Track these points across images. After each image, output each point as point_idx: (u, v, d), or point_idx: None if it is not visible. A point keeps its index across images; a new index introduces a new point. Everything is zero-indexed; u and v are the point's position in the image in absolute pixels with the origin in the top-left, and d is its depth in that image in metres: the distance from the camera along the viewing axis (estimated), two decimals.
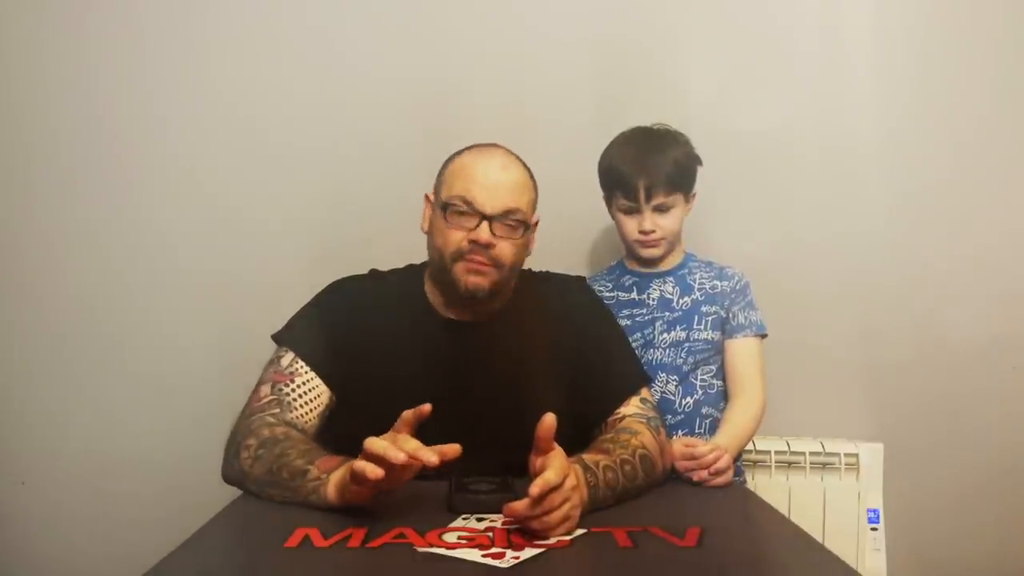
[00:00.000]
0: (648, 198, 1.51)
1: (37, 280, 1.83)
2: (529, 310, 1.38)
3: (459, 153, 1.34)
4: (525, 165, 1.34)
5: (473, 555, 0.91)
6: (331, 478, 1.07)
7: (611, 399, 1.34)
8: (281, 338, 1.34)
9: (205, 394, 1.78)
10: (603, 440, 1.25)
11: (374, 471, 0.97)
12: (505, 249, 1.28)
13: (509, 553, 0.91)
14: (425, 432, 1.27)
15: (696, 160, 1.57)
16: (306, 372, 1.29)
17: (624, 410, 1.33)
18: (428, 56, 1.81)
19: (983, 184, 1.83)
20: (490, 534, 0.98)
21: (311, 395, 1.29)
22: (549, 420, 1.02)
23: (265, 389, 1.28)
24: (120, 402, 1.82)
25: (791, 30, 1.82)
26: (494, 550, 0.92)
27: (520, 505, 0.97)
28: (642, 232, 1.53)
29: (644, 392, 1.37)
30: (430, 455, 0.98)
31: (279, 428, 1.21)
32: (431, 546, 0.94)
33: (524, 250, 1.34)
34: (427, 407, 1.05)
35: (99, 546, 1.78)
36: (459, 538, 0.97)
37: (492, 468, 1.18)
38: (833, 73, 1.82)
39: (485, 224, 1.26)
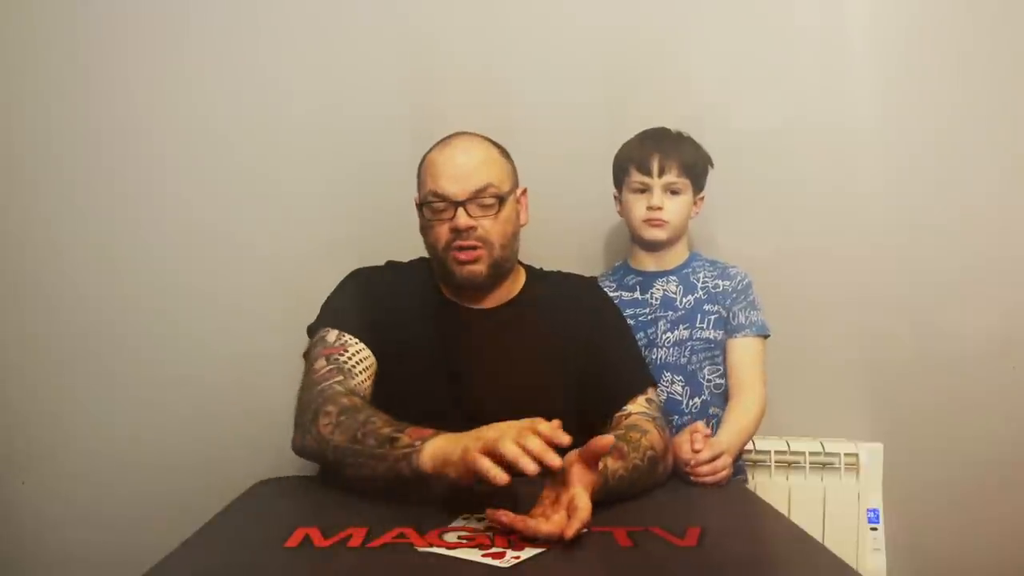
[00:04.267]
0: (661, 172, 1.53)
1: (37, 280, 1.83)
2: (539, 302, 1.41)
3: (428, 151, 1.38)
4: (492, 142, 1.37)
5: (473, 555, 0.91)
6: (426, 446, 1.05)
7: (620, 396, 1.35)
8: (318, 323, 1.36)
9: (205, 394, 1.79)
10: (617, 438, 1.23)
11: (502, 478, 0.95)
12: (488, 227, 1.32)
13: (509, 553, 0.91)
14: (435, 416, 1.29)
15: (708, 161, 1.60)
16: (356, 342, 1.31)
17: (631, 407, 1.34)
18: (438, 56, 1.81)
19: (983, 184, 1.83)
20: (490, 534, 0.97)
21: (365, 363, 1.31)
22: (607, 441, 1.02)
23: (320, 363, 1.28)
24: (120, 402, 1.82)
25: (794, 31, 1.82)
26: (494, 550, 0.92)
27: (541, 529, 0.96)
28: (650, 208, 1.54)
29: (650, 392, 1.38)
30: (555, 459, 0.96)
31: (356, 398, 1.21)
32: (431, 546, 0.94)
33: (512, 222, 1.36)
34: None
35: (99, 546, 1.78)
36: (459, 538, 0.97)
37: None
38: (836, 74, 1.82)
39: (461, 210, 1.30)
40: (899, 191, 1.83)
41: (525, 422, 1.00)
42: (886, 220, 1.83)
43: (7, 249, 1.83)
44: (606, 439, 1.02)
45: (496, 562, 0.89)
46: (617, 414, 1.33)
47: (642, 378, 1.40)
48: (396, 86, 1.81)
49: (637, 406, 1.34)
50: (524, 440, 0.96)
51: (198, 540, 0.99)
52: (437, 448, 1.05)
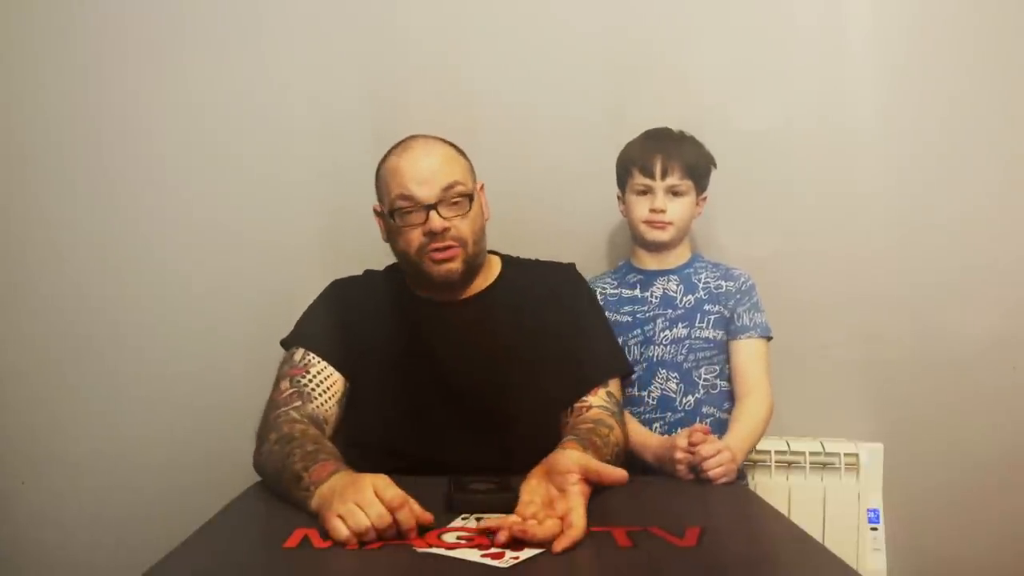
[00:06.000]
0: (664, 175, 1.53)
1: (37, 280, 1.83)
2: (511, 291, 1.42)
3: (383, 160, 1.37)
4: (446, 141, 1.37)
5: (472, 555, 0.91)
6: (317, 492, 1.04)
7: (581, 386, 1.36)
8: (290, 340, 1.38)
9: (205, 395, 1.79)
10: (589, 432, 1.25)
11: (351, 542, 0.95)
12: (461, 226, 1.32)
13: (508, 553, 0.91)
14: (421, 411, 1.33)
15: (711, 161, 1.59)
16: (319, 363, 1.33)
17: (592, 399, 1.34)
18: (438, 55, 1.81)
19: (984, 184, 1.82)
20: (489, 534, 0.97)
21: (328, 383, 1.32)
22: (620, 476, 1.05)
23: (284, 384, 1.31)
24: (120, 402, 1.83)
25: (795, 31, 1.82)
26: (493, 550, 0.92)
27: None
28: (652, 211, 1.54)
29: (612, 385, 1.38)
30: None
31: (299, 425, 1.22)
32: (430, 546, 0.94)
33: (480, 218, 1.37)
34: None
35: (99, 546, 1.79)
36: (458, 538, 0.97)
37: (484, 445, 1.22)
38: (836, 74, 1.82)
39: (433, 213, 1.30)
40: (899, 191, 1.82)
41: (399, 498, 0.96)
42: (886, 220, 1.82)
43: (7, 249, 1.84)
44: (619, 474, 1.04)
45: (495, 562, 0.89)
46: (578, 404, 1.33)
47: (606, 368, 1.39)
48: (396, 85, 1.81)
49: (598, 399, 1.34)
50: (379, 520, 0.94)
51: (198, 540, 0.99)
52: (320, 496, 1.03)
